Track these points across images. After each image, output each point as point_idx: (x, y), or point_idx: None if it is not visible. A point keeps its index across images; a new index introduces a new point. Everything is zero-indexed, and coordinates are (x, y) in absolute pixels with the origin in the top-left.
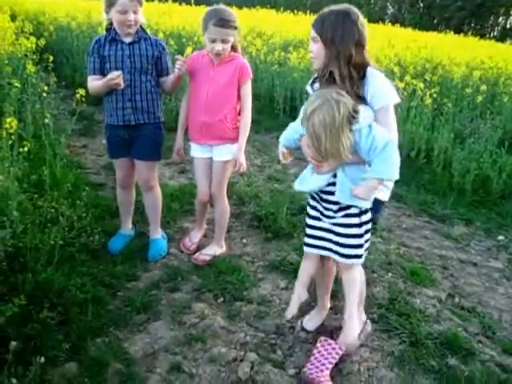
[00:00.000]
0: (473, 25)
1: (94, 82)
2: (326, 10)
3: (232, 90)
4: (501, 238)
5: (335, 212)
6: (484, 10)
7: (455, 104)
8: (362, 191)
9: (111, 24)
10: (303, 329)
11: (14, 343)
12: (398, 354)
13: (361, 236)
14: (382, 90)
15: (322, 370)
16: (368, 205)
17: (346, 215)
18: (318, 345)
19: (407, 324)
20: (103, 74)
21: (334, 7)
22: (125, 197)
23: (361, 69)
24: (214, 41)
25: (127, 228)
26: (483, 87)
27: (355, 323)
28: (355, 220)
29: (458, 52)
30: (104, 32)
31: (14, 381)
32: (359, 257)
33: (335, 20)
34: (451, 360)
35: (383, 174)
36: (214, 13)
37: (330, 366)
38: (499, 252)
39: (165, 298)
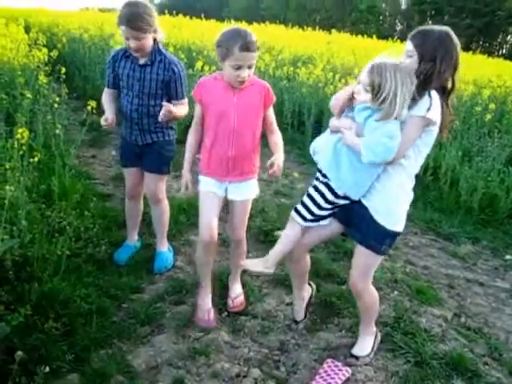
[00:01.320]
0: (481, 43)
1: (104, 98)
2: (426, 26)
3: (260, 117)
4: (508, 257)
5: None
6: (492, 27)
7: (463, 122)
8: (349, 137)
9: None
10: (294, 320)
11: (19, 353)
12: (402, 373)
13: None
14: (429, 103)
15: None
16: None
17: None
18: (325, 366)
19: (412, 343)
20: (117, 88)
21: (435, 26)
22: (132, 208)
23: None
24: (239, 67)
25: (133, 239)
26: (492, 106)
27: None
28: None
29: (466, 70)
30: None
31: None
32: None
33: (439, 38)
34: (457, 381)
35: (364, 147)
36: (237, 36)
37: None
38: (506, 272)
39: (169, 311)
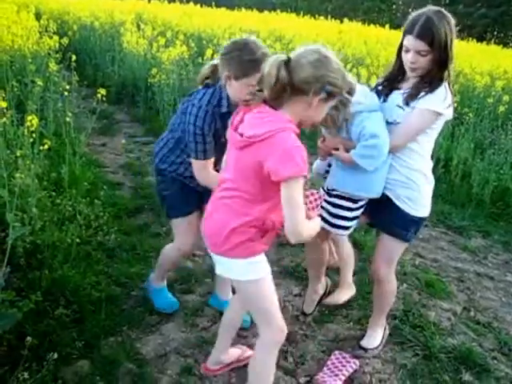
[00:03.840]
0: (496, 33)
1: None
2: (421, 15)
3: None
4: None
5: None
6: (508, 17)
7: (476, 114)
8: (341, 156)
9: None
10: (303, 312)
11: (29, 339)
12: (410, 366)
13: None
14: (433, 95)
15: (335, 381)
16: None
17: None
18: (333, 357)
19: (421, 336)
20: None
21: (426, 11)
22: (181, 260)
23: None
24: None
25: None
26: (506, 97)
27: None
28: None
29: (481, 61)
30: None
31: (26, 376)
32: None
33: (441, 25)
34: (465, 375)
35: (357, 158)
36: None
37: (344, 377)
38: None
39: (178, 300)
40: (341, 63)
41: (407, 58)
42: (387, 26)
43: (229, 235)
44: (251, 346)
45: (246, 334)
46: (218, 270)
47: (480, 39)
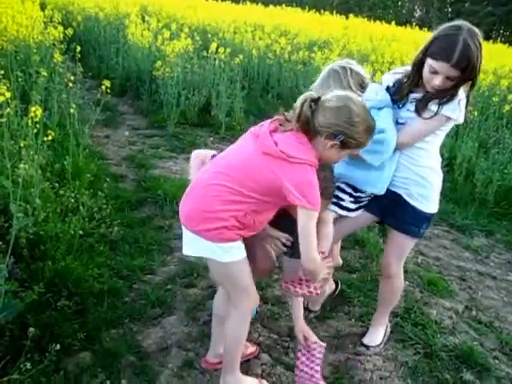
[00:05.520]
0: (502, 31)
1: None
2: (456, 39)
3: None
4: None
5: None
6: None
7: (481, 113)
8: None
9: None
10: (307, 308)
11: (32, 329)
12: (411, 364)
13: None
14: (450, 104)
15: (312, 375)
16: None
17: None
18: (299, 355)
19: (422, 335)
20: None
21: (459, 31)
22: None
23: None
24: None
25: None
26: (511, 96)
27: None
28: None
29: (486, 59)
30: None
31: (28, 365)
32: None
33: (475, 50)
34: (466, 374)
35: (364, 153)
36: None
37: (319, 368)
38: None
39: (180, 294)
40: (368, 117)
41: (434, 81)
42: (393, 22)
43: (209, 217)
44: (253, 342)
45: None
46: (188, 250)
47: (486, 38)
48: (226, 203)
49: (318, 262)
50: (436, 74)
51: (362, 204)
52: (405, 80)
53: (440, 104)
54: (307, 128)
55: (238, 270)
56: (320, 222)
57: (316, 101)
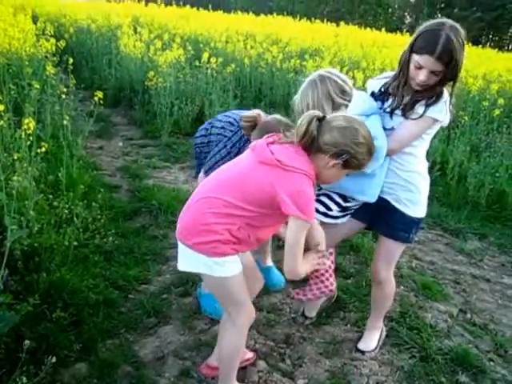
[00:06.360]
0: (491, 36)
1: None
2: (439, 33)
3: None
4: None
5: None
6: (503, 21)
7: (472, 117)
8: None
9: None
10: (303, 315)
11: (27, 342)
12: (407, 368)
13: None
14: (435, 106)
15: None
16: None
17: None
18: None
19: (418, 338)
20: None
21: (442, 27)
22: None
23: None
24: None
25: None
26: (500, 101)
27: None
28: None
29: (476, 64)
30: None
31: (24, 379)
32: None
33: (458, 45)
34: (461, 377)
35: None
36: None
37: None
38: None
39: (175, 303)
40: (370, 140)
41: (418, 76)
42: (383, 29)
43: (203, 229)
44: (249, 348)
45: None
46: (183, 265)
47: (475, 43)
48: (220, 216)
49: (301, 274)
50: (421, 68)
51: (348, 212)
52: (392, 82)
53: (426, 105)
54: (310, 146)
55: (234, 285)
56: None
57: (321, 119)
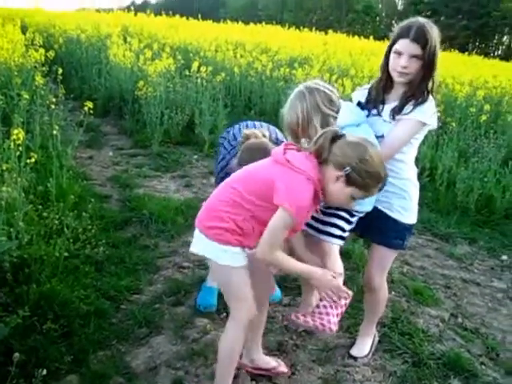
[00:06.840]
0: (477, 44)
1: None
2: (413, 22)
3: None
4: (504, 258)
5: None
6: (488, 29)
7: (459, 123)
8: None
9: None
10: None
11: (17, 355)
12: (400, 373)
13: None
14: (421, 107)
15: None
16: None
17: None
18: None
19: (410, 344)
20: None
21: (416, 20)
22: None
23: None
24: None
25: None
26: (487, 107)
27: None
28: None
29: (462, 71)
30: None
31: None
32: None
33: (432, 32)
34: (454, 381)
35: None
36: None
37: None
38: (503, 272)
39: (167, 313)
40: (381, 166)
41: (399, 62)
42: (371, 37)
43: (212, 215)
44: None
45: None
46: (194, 248)
47: (462, 50)
48: (228, 205)
49: (270, 259)
50: (400, 55)
51: (352, 226)
52: (376, 84)
53: (414, 106)
54: (321, 156)
55: (236, 276)
56: (327, 257)
57: (337, 137)
